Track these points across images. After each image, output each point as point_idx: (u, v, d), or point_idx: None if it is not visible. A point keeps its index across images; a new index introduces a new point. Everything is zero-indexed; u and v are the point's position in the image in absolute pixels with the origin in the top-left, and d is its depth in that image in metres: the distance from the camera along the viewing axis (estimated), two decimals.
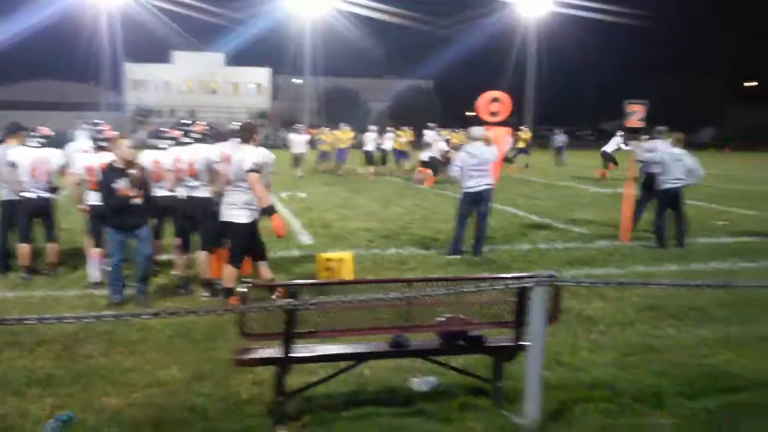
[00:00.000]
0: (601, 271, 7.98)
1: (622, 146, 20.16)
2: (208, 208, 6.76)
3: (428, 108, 57.46)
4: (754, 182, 20.90)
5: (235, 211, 6.25)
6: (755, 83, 76.81)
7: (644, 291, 6.53)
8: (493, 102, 9.60)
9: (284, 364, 3.74)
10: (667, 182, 9.34)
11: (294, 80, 63.97)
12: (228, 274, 6.28)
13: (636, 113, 10.21)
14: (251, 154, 6.18)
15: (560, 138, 29.91)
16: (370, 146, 22.73)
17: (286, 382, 3.84)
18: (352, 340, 4.18)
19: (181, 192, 6.90)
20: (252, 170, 6.07)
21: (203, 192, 6.79)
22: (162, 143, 7.21)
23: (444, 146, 21.16)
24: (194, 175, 6.76)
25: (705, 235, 10.59)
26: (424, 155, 20.33)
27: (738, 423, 3.95)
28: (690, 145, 11.07)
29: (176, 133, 7.27)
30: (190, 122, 8.11)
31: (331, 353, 4.05)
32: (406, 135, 23.51)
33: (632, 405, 4.18)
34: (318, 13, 50.99)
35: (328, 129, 26.19)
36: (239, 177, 6.19)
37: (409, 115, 47.15)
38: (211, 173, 6.72)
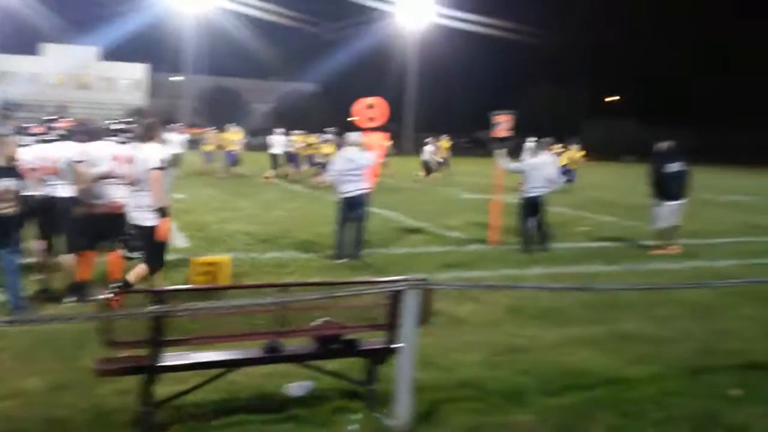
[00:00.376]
0: (473, 274, 8.31)
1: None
2: (71, 209, 6.44)
3: (313, 112, 57.41)
4: (614, 191, 22.40)
5: (147, 214, 6.06)
6: (617, 97, 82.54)
7: (511, 293, 6.87)
8: (369, 108, 9.73)
9: (149, 372, 3.64)
10: (530, 190, 9.85)
11: (173, 78, 61.95)
12: (139, 272, 6.15)
13: (502, 124, 10.69)
14: (156, 152, 6.03)
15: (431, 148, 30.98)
16: (277, 149, 22.18)
17: (153, 391, 3.73)
18: (226, 347, 4.12)
19: (44, 191, 6.54)
20: (156, 168, 5.92)
21: (66, 191, 6.47)
22: (25, 140, 6.79)
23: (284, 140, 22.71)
24: (57, 174, 6.43)
25: (568, 239, 11.25)
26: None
27: (593, 417, 4.24)
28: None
29: (40, 129, 6.87)
30: (54, 118, 7.69)
31: (201, 361, 3.97)
32: (308, 139, 23.24)
33: (498, 403, 4.39)
34: (201, 10, 49.53)
35: (213, 129, 25.41)
36: (145, 177, 6.00)
37: (294, 118, 46.92)
38: (75, 172, 6.40)
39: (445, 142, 27.03)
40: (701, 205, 18.05)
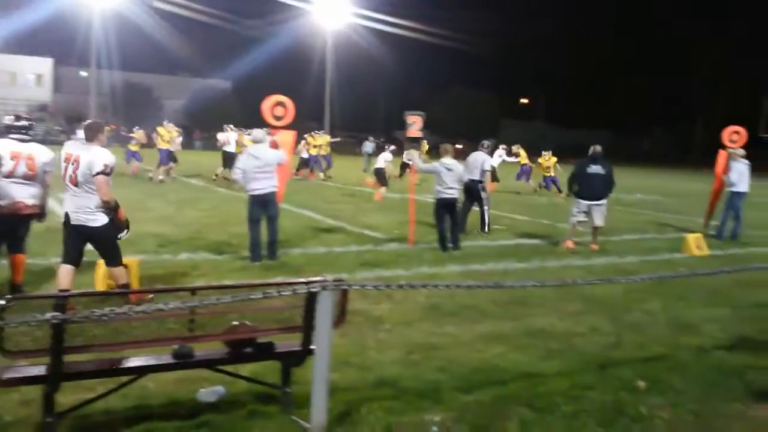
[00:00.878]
0: (390, 273, 8.36)
1: (505, 158, 22.32)
2: None
3: (226, 109, 56.38)
4: (528, 190, 23.00)
5: (91, 215, 5.94)
6: (526, 100, 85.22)
7: (428, 291, 6.94)
8: (277, 106, 9.60)
9: (51, 381, 3.44)
10: (442, 192, 9.97)
11: (80, 73, 59.45)
12: (118, 273, 6.19)
13: (415, 124, 10.79)
14: (101, 155, 5.89)
15: (370, 145, 31.28)
16: (231, 147, 20.99)
17: (56, 401, 3.54)
18: (134, 353, 3.95)
19: None
20: (101, 173, 5.82)
21: None
22: None
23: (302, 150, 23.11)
24: None
25: (484, 238, 11.45)
26: (304, 154, 22.66)
27: (507, 412, 4.30)
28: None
29: None
30: None
31: (106, 368, 3.79)
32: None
33: (414, 401, 4.39)
34: (108, 3, 47.61)
35: (138, 128, 24.22)
36: (87, 179, 5.85)
37: (206, 115, 45.96)
38: None
39: (318, 138, 25.53)
40: (609, 203, 18.82)
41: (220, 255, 9.01)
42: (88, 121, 6.46)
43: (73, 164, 5.89)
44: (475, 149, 12.27)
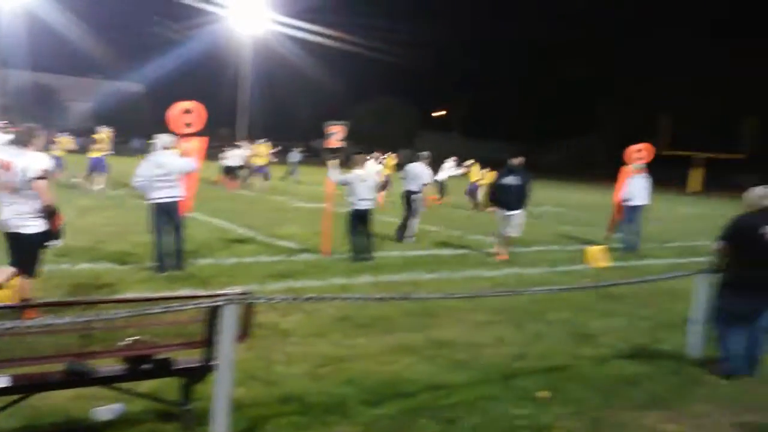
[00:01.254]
0: (302, 284, 8.27)
1: (453, 172, 22.13)
2: None
3: (137, 113, 54.69)
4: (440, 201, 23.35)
5: (24, 222, 5.78)
6: (443, 112, 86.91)
7: (339, 302, 6.90)
8: (186, 113, 9.31)
9: None
10: (356, 203, 9.99)
11: None
12: (27, 286, 5.90)
13: (336, 134, 10.77)
14: (37, 160, 5.73)
15: (295, 155, 31.60)
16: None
17: None
18: (24, 370, 3.73)
19: None
20: (39, 177, 5.67)
21: None
22: None
23: (245, 153, 23.66)
24: None
25: (396, 248, 11.53)
26: (228, 162, 22.85)
27: (413, 425, 4.32)
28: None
29: None
30: None
31: None
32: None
33: (321, 416, 4.34)
34: (20, 1, 45.11)
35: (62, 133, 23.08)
36: (24, 185, 5.69)
37: (115, 118, 44.34)
38: None
39: (258, 147, 25.37)
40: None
41: (122, 265, 8.68)
42: (23, 125, 6.23)
43: (6, 170, 5.69)
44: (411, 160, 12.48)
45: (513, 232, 11.17)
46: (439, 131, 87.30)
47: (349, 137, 11.24)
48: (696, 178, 50.23)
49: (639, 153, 14.04)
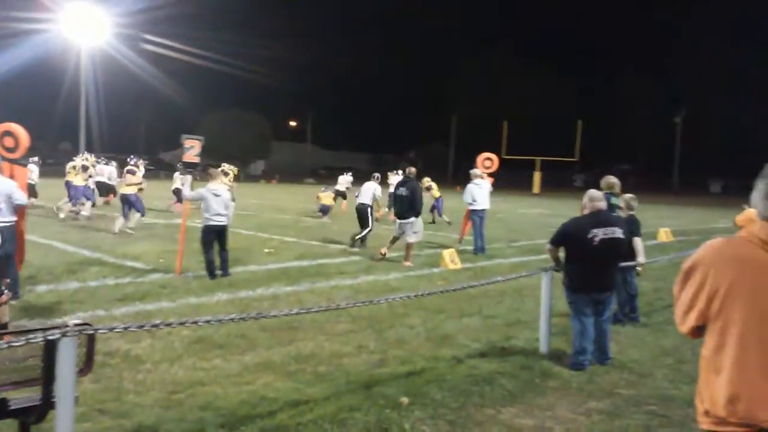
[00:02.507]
0: (154, 306, 7.88)
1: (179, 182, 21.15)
2: None
3: None
4: (297, 212, 23.25)
5: None
6: (296, 123, 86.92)
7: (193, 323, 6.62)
8: (6, 136, 8.42)
9: None
10: (210, 218, 9.67)
11: None
12: None
13: (193, 148, 10.39)
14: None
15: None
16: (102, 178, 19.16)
17: None
18: None
19: None
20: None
21: None
22: None
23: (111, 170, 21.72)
24: None
25: (254, 262, 11.29)
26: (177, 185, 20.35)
27: None
28: (246, 178, 11.78)
29: None
30: None
31: None
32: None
33: None
34: None
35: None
36: None
37: None
38: None
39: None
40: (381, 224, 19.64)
41: None
42: None
43: None
44: (246, 171, 12.26)
45: (409, 238, 11.82)
46: (292, 142, 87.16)
47: (202, 150, 10.87)
48: (537, 180, 53.50)
49: (487, 161, 14.73)
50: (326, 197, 21.29)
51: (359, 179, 22.10)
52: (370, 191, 14.08)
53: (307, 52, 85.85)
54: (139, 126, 78.70)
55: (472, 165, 15.15)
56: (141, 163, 18.02)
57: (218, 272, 9.73)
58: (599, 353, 6.10)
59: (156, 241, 13.57)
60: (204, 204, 9.69)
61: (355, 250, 13.17)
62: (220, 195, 9.70)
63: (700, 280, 2.19)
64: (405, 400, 4.92)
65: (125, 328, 3.56)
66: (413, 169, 12.34)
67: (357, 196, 14.57)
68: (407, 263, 11.63)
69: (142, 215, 15.75)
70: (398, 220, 12.01)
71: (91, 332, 3.51)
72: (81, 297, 8.24)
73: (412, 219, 11.77)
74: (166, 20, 53.38)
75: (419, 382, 5.36)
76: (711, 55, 71.71)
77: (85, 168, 18.66)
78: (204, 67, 63.04)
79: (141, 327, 3.62)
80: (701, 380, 2.24)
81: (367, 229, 13.91)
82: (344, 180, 23.83)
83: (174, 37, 53.53)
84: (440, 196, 20.59)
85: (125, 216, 15.01)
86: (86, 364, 3.62)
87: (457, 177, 29.54)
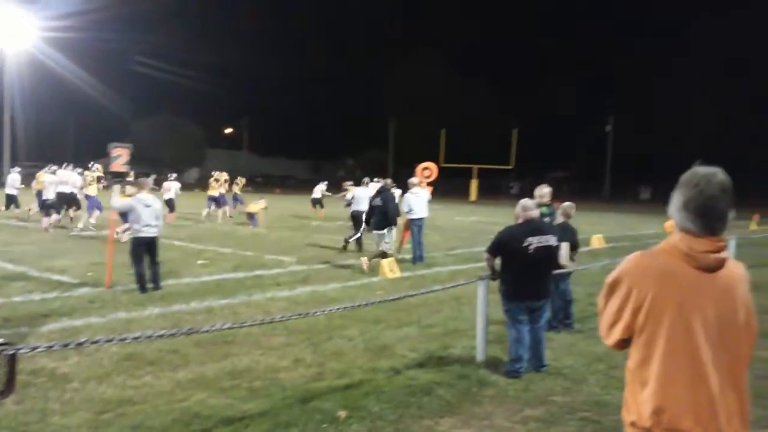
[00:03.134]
0: (82, 322, 7.57)
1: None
2: None
3: None
4: (231, 221, 22.88)
5: None
6: (231, 129, 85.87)
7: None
8: None
9: None
10: (140, 230, 9.37)
11: None
12: None
13: (121, 157, 10.09)
14: None
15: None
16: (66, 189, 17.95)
17: None
18: None
19: None
20: None
21: None
22: None
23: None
24: None
25: (187, 275, 11.01)
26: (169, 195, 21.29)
27: None
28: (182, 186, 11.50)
29: None
30: None
31: None
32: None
33: None
34: None
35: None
36: None
37: None
38: None
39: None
40: (309, 232, 19.51)
41: None
42: None
43: None
44: (180, 179, 12.01)
45: (384, 247, 12.34)
46: (229, 149, 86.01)
47: (132, 158, 10.57)
48: (474, 188, 54.22)
49: (426, 171, 14.85)
50: (255, 206, 21.06)
51: (299, 187, 22.00)
52: (365, 198, 14.54)
53: (243, 57, 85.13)
54: (67, 133, 76.23)
55: (412, 172, 15.26)
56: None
57: (149, 285, 9.45)
58: (535, 360, 6.19)
59: (84, 253, 13.09)
60: (133, 215, 9.38)
61: (298, 263, 12.97)
62: (151, 205, 9.41)
63: (624, 293, 2.22)
64: (342, 413, 4.86)
65: (49, 347, 3.40)
66: (389, 181, 13.51)
67: (351, 204, 15.55)
68: (366, 265, 11.95)
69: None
70: (374, 231, 12.54)
71: (12, 352, 3.33)
72: (4, 314, 7.86)
73: (385, 230, 12.40)
74: (96, 24, 51.98)
75: (357, 395, 5.31)
76: (640, 65, 74.63)
77: (99, 179, 18.93)
78: (136, 73, 61.62)
79: (66, 346, 3.46)
80: (627, 392, 2.27)
81: (357, 234, 14.62)
82: (319, 189, 26.12)
83: (105, 41, 52.23)
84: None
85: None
86: (7, 386, 3.44)
87: (396, 184, 29.79)
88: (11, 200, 20.69)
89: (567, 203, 8.30)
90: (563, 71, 79.46)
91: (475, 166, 53.46)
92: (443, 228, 22.17)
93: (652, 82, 71.50)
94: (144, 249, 9.40)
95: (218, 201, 22.78)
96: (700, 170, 2.20)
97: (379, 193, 12.83)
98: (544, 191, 8.71)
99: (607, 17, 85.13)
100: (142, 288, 9.33)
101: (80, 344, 3.59)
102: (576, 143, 75.31)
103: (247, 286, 10.20)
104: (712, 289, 2.15)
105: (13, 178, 21.22)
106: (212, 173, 23.55)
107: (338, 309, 5.82)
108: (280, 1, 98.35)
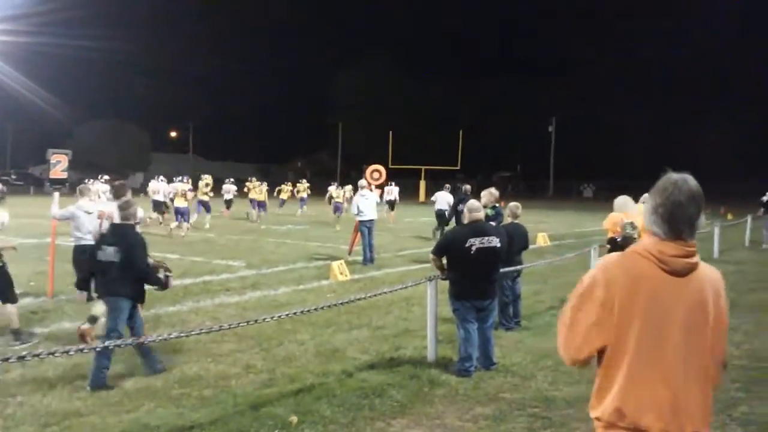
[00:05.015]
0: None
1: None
2: None
3: None
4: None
5: None
6: (175, 133, 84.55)
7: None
8: None
9: None
10: (82, 237, 9.14)
11: None
12: None
13: (60, 163, 9.83)
14: None
15: None
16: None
17: None
18: None
19: None
20: None
21: None
22: None
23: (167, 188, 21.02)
24: None
25: None
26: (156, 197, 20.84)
27: None
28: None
29: None
30: None
31: None
32: None
33: None
34: None
35: None
36: None
37: None
38: None
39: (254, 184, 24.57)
40: (258, 236, 19.34)
41: None
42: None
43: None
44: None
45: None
46: (174, 153, 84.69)
47: (75, 164, 10.31)
48: (423, 189, 54.60)
49: (375, 173, 14.93)
50: (177, 198, 20.56)
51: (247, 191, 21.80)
52: (445, 199, 18.02)
53: (188, 59, 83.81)
54: (5, 139, 73.74)
55: (361, 174, 15.33)
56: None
57: (94, 294, 9.22)
58: (484, 359, 6.29)
59: (25, 262, 12.67)
60: (75, 222, 9.14)
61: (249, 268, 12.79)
62: (92, 213, 9.18)
63: (601, 298, 2.22)
64: (294, 418, 4.86)
65: None
66: (468, 187, 14.32)
67: (434, 203, 18.85)
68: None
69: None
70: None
71: None
72: None
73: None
74: (36, 26, 50.24)
75: (309, 399, 5.32)
76: (581, 66, 76.45)
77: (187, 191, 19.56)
78: (78, 76, 59.92)
79: (6, 360, 3.38)
80: (594, 389, 2.31)
81: (443, 227, 16.16)
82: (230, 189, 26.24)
83: (45, 44, 50.52)
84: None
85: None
86: None
87: (345, 186, 30.17)
88: None
89: (513, 203, 8.48)
90: (508, 71, 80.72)
91: (423, 167, 53.85)
92: (393, 229, 22.26)
93: (594, 83, 73.30)
94: (87, 257, 9.15)
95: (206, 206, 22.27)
96: (672, 176, 2.24)
97: (462, 200, 13.62)
98: (490, 193, 8.93)
99: (550, 17, 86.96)
100: (90, 296, 9.10)
101: (21, 358, 3.50)
102: (520, 143, 76.62)
103: (195, 292, 10.07)
104: (682, 293, 2.20)
105: None
106: (203, 176, 23.89)
107: (288, 314, 5.80)
108: (227, 1, 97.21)
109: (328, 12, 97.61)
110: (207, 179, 23.22)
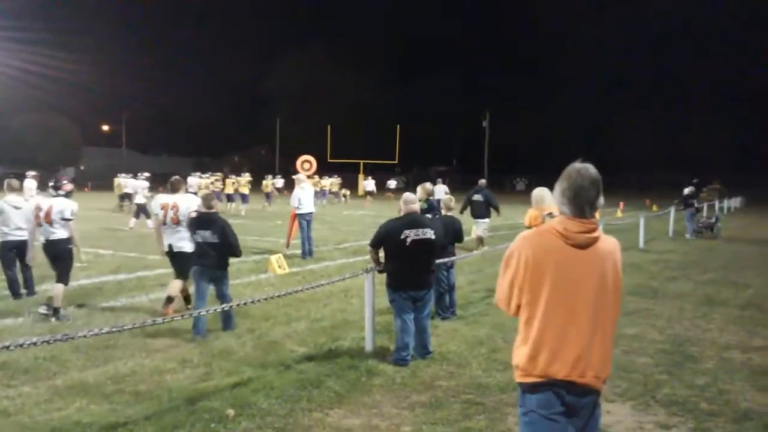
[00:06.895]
0: None
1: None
2: None
3: None
4: (111, 221, 21.95)
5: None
6: (107, 127, 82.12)
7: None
8: None
9: None
10: (9, 233, 8.84)
11: None
12: None
13: None
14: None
15: None
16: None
17: None
18: None
19: None
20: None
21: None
22: None
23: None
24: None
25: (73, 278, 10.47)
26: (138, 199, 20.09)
27: None
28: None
29: None
30: None
31: None
32: None
33: None
34: None
35: None
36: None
37: None
38: None
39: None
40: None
41: None
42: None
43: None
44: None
45: (482, 233, 14.78)
46: (107, 147, 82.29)
47: (1, 158, 9.92)
48: (362, 182, 54.69)
49: (306, 163, 14.86)
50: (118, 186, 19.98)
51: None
52: (443, 191, 19.49)
53: (119, 50, 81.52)
54: None
55: (296, 168, 15.26)
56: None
57: (23, 291, 8.95)
58: (420, 348, 6.40)
59: None
60: (1, 217, 8.84)
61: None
62: (21, 208, 8.88)
63: (514, 265, 2.71)
64: (231, 412, 4.84)
65: None
66: (483, 181, 15.86)
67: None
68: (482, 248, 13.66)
69: None
70: (477, 220, 14.84)
71: None
72: None
73: (487, 219, 14.91)
74: None
75: (246, 393, 5.30)
76: (514, 62, 77.84)
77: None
78: (3, 69, 57.37)
79: None
80: (515, 344, 2.77)
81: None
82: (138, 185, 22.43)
83: None
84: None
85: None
86: None
87: (285, 180, 30.09)
88: None
89: (447, 196, 8.63)
90: (444, 66, 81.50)
91: (361, 161, 53.94)
92: (332, 222, 22.23)
93: (526, 79, 74.82)
94: (14, 253, 8.88)
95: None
96: (576, 165, 2.69)
97: (478, 191, 14.95)
98: (425, 188, 9.09)
99: (488, 13, 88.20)
100: (15, 294, 8.84)
101: None
102: (455, 138, 77.57)
103: (129, 288, 9.87)
104: (586, 263, 2.64)
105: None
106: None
107: (224, 307, 5.76)
108: None
109: (266, 3, 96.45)
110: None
